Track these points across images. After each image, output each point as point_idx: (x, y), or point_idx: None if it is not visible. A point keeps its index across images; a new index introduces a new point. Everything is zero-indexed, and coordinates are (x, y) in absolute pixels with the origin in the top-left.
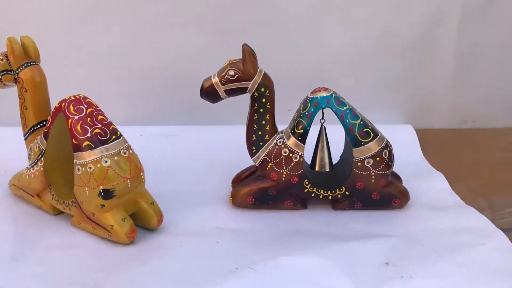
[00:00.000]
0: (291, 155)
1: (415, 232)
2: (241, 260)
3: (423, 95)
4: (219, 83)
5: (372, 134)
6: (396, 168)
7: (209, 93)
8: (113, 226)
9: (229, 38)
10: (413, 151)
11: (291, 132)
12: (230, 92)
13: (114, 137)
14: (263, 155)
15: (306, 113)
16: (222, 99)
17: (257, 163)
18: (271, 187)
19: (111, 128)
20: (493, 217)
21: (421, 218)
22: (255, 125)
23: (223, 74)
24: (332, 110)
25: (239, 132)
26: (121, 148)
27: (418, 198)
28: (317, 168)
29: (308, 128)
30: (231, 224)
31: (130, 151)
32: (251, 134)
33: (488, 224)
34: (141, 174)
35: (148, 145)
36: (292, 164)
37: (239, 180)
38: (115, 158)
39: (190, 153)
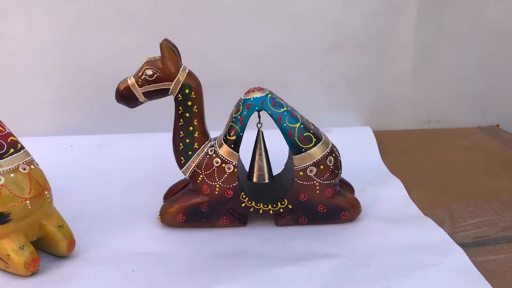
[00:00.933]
0: (223, 165)
1: (363, 251)
2: None
3: (383, 94)
4: (135, 84)
5: (314, 139)
6: (351, 174)
7: (126, 97)
8: (9, 255)
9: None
10: (371, 155)
11: (223, 139)
12: (150, 95)
13: (12, 150)
14: (193, 166)
15: (239, 117)
16: (141, 103)
17: (187, 175)
18: (203, 203)
19: (9, 140)
20: (453, 230)
21: (372, 232)
22: (181, 132)
23: (140, 74)
24: (268, 113)
25: None
26: (20, 163)
27: (372, 209)
28: (255, 180)
29: (241, 134)
30: (155, 247)
31: (32, 166)
32: (177, 142)
33: (446, 239)
34: (46, 192)
35: (78, 156)
36: (226, 175)
37: (172, 195)
38: (11, 175)
39: (123, 165)
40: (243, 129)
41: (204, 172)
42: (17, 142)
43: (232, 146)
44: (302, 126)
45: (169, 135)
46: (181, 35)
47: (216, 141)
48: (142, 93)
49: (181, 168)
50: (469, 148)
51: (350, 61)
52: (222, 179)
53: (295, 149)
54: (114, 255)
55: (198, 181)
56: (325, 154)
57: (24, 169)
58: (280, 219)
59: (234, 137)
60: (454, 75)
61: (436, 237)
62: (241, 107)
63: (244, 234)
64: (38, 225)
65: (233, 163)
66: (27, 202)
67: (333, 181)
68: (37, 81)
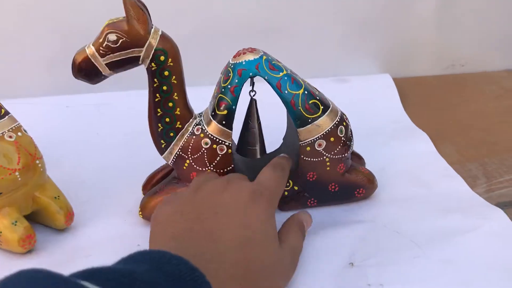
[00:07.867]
0: (214, 146)
1: (389, 215)
2: None
3: (402, 37)
4: (96, 54)
5: (322, 107)
6: (372, 127)
7: (85, 71)
8: (1, 232)
9: None
10: (392, 106)
11: (211, 115)
12: (115, 66)
13: None
14: (177, 149)
15: (229, 86)
16: (105, 76)
17: (170, 162)
18: None
19: None
20: (489, 187)
21: (399, 195)
22: (159, 110)
23: (101, 41)
24: (264, 79)
25: (190, 93)
26: (5, 131)
27: (397, 168)
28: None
29: (233, 107)
30: None
31: (19, 133)
32: (155, 122)
33: (483, 200)
34: (37, 161)
35: (75, 118)
36: (218, 158)
37: (151, 184)
38: None
39: (124, 125)
40: (235, 101)
41: (191, 157)
42: (0, 107)
43: (224, 122)
44: (306, 92)
45: None
46: None
47: (202, 118)
48: (106, 64)
49: (162, 154)
50: (500, 94)
51: (365, 2)
52: (214, 163)
53: (300, 120)
54: (117, 227)
55: (185, 168)
56: (335, 123)
57: (10, 137)
58: (284, 205)
59: (225, 112)
60: (482, 15)
61: (471, 198)
62: (231, 74)
63: None
64: (32, 198)
65: (226, 143)
66: (16, 173)
67: (345, 154)
68: (26, 38)
